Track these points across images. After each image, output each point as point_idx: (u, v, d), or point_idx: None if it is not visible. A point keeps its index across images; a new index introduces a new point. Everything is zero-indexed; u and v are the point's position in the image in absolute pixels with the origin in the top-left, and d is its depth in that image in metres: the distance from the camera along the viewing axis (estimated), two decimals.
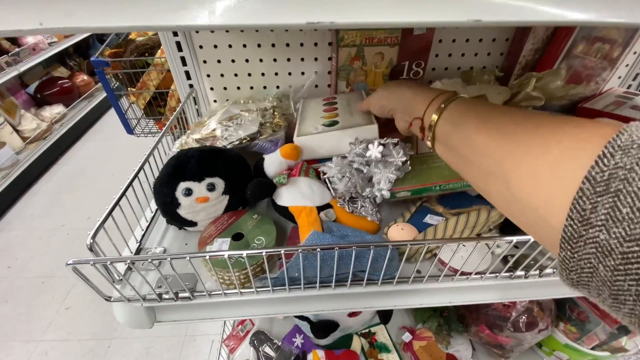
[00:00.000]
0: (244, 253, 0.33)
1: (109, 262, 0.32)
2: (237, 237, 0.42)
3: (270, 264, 0.41)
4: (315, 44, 0.68)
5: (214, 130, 0.58)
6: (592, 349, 0.71)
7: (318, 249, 0.33)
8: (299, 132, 0.53)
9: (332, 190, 0.48)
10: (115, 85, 1.53)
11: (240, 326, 0.88)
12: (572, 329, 0.73)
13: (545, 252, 0.40)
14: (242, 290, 0.38)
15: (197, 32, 0.64)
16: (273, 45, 0.67)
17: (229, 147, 0.53)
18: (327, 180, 0.49)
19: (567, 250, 0.19)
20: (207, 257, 0.33)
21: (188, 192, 0.42)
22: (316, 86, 0.74)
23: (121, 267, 0.41)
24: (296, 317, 0.84)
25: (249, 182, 0.46)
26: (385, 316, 0.89)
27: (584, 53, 0.66)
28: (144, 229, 0.47)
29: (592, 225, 0.18)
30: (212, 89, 0.72)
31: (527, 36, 0.65)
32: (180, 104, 0.62)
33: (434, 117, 0.32)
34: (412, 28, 0.62)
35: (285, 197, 0.47)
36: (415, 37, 0.64)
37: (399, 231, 0.42)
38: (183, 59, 0.67)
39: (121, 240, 0.42)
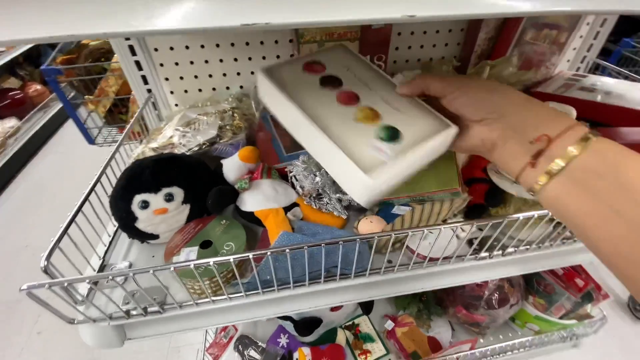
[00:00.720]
0: (211, 261, 0.32)
1: (66, 284, 0.31)
2: (205, 244, 0.41)
3: (242, 269, 0.41)
4: (276, 42, 0.67)
5: (171, 137, 0.56)
6: (561, 318, 0.76)
7: (287, 250, 0.33)
8: (364, 168, 0.29)
9: (299, 189, 0.48)
10: (72, 94, 1.44)
11: (222, 333, 0.87)
12: (541, 301, 0.77)
13: (505, 231, 0.42)
14: (215, 298, 0.38)
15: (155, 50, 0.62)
16: (232, 44, 0.65)
17: (188, 153, 0.52)
18: (293, 179, 0.49)
19: None
20: (172, 269, 0.32)
21: (144, 205, 0.41)
22: None
23: (85, 287, 0.39)
24: (279, 317, 0.83)
25: (210, 188, 0.45)
26: (367, 307, 0.91)
27: (534, 39, 0.69)
28: (107, 245, 0.45)
29: None
30: (172, 92, 0.70)
31: (480, 26, 0.68)
32: (138, 111, 0.59)
33: (573, 148, 0.25)
34: None
35: (249, 202, 0.46)
36: (374, 31, 0.64)
37: (368, 224, 0.42)
38: (138, 63, 0.64)
39: (82, 258, 0.40)
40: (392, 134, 0.31)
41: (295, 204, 0.46)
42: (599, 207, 0.24)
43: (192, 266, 0.32)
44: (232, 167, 0.48)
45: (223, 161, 0.50)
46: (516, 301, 0.77)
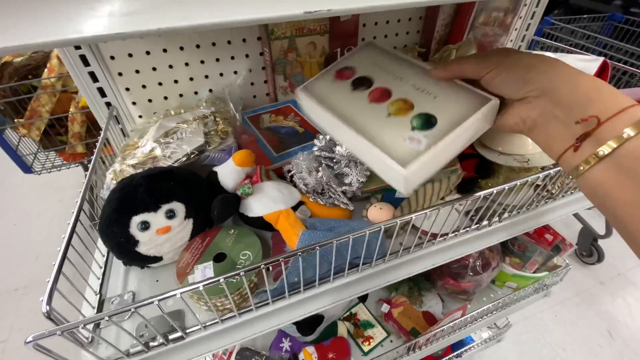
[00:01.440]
0: (241, 272, 0.30)
1: (81, 326, 0.27)
2: (218, 258, 0.38)
3: (260, 277, 0.39)
4: (244, 40, 0.64)
5: (152, 150, 0.52)
6: (534, 272, 0.85)
7: (317, 248, 0.32)
8: (399, 161, 0.30)
9: (302, 186, 0.47)
10: None
11: (221, 350, 0.83)
12: (516, 260, 0.85)
13: (495, 199, 0.46)
14: (240, 312, 0.36)
15: (104, 41, 0.56)
16: (198, 46, 0.62)
17: (175, 165, 0.48)
18: (295, 177, 0.48)
19: None
20: (201, 288, 0.29)
21: (145, 226, 0.37)
22: (252, 83, 0.71)
23: (87, 329, 0.35)
24: None
25: (209, 198, 0.42)
26: (362, 295, 0.93)
27: (484, 23, 0.75)
28: (100, 277, 0.40)
29: None
30: (134, 103, 0.64)
31: (438, 13, 0.72)
32: (104, 126, 0.53)
33: (627, 131, 0.23)
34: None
35: (256, 207, 0.44)
36: (343, 23, 0.65)
37: (379, 211, 0.43)
38: (93, 75, 0.58)
39: (75, 296, 0.36)
40: (425, 122, 0.32)
41: (300, 203, 0.46)
42: None
43: (221, 281, 0.30)
44: (229, 173, 0.46)
45: (217, 169, 0.47)
46: (496, 264, 0.84)
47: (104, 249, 0.43)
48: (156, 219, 0.37)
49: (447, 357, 1.14)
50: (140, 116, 0.66)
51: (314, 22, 0.63)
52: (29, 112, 1.23)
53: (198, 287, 0.29)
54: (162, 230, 0.37)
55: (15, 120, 1.23)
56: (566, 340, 1.39)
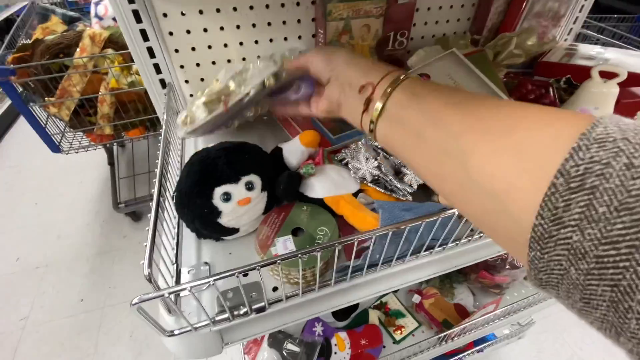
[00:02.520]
0: (335, 243, 0.30)
1: (189, 288, 0.27)
2: (295, 232, 0.38)
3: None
4: (299, 21, 0.64)
5: (226, 87, 0.48)
6: None
7: (407, 226, 0.32)
8: None
9: (358, 177, 0.46)
10: (24, 95, 1.26)
11: None
12: None
13: None
14: (320, 285, 0.36)
15: (165, 15, 0.55)
16: (254, 25, 0.61)
17: (252, 93, 0.43)
18: (348, 166, 0.47)
19: (536, 250, 0.17)
20: (300, 257, 0.29)
21: (227, 197, 0.37)
22: None
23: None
24: None
25: (276, 174, 0.42)
26: None
27: (539, 14, 0.73)
28: (175, 248, 0.41)
29: (564, 225, 0.16)
30: (187, 81, 0.64)
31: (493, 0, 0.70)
32: (166, 102, 0.53)
33: (388, 88, 0.28)
34: None
35: (318, 188, 0.44)
36: (400, 6, 0.64)
37: None
38: (150, 50, 0.58)
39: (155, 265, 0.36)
40: None
41: (360, 191, 0.45)
42: (409, 134, 0.26)
43: (318, 251, 0.30)
44: (294, 151, 0.46)
45: (282, 145, 0.47)
46: None
47: (174, 220, 0.43)
48: (237, 190, 0.37)
49: (469, 352, 1.14)
50: (191, 95, 0.66)
51: (372, 4, 0.62)
52: (60, 91, 1.23)
53: (297, 256, 0.29)
54: (244, 201, 0.37)
55: (46, 98, 1.24)
56: (584, 340, 1.39)
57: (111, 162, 1.70)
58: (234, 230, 0.39)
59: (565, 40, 0.89)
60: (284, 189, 0.41)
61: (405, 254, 0.38)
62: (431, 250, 0.40)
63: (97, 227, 1.69)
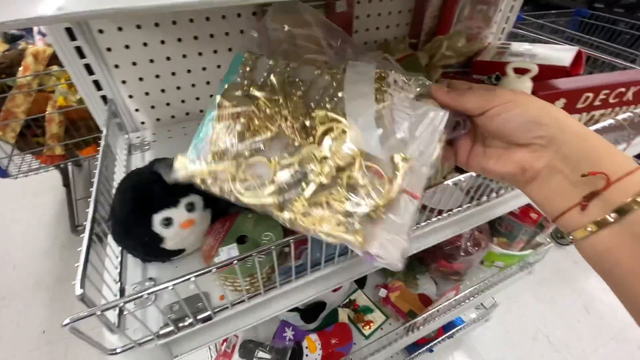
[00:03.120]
0: (272, 246, 0.32)
1: (122, 303, 0.27)
2: (240, 240, 0.39)
3: (281, 258, 0.41)
4: (242, 32, 0.65)
5: None
6: (520, 250, 0.90)
7: None
8: None
9: None
10: None
11: (225, 344, 0.83)
12: (503, 240, 0.91)
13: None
14: (265, 290, 0.37)
15: (100, 32, 0.55)
16: (196, 37, 0.62)
17: None
18: None
19: None
20: (236, 263, 0.30)
21: (168, 222, 0.37)
22: None
23: (113, 314, 0.35)
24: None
25: None
26: (361, 281, 0.95)
27: (469, 17, 0.79)
28: (118, 266, 0.40)
29: None
30: (130, 96, 0.63)
31: (426, 5, 0.75)
32: (106, 120, 0.52)
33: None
34: (334, 5, 0.65)
35: None
36: (338, 14, 0.67)
37: None
38: (88, 67, 0.57)
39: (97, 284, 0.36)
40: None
41: None
42: None
43: (254, 255, 0.31)
44: None
45: None
46: (485, 244, 0.89)
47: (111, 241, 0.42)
48: (178, 213, 0.37)
49: (440, 339, 1.19)
50: (137, 110, 0.65)
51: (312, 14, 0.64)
52: (4, 113, 1.17)
53: (233, 262, 0.30)
54: (186, 223, 0.37)
55: None
56: (547, 317, 1.48)
57: (66, 184, 1.61)
58: (181, 251, 0.39)
59: (500, 39, 0.96)
60: (228, 202, 0.41)
61: (347, 249, 0.40)
62: None
63: (55, 253, 1.60)
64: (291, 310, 0.81)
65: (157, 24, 0.57)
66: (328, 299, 0.84)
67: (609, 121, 0.50)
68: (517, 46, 0.83)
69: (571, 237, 0.25)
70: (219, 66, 0.66)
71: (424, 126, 0.29)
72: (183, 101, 0.68)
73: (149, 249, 0.37)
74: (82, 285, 0.29)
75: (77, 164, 1.82)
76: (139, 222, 0.37)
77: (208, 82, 0.67)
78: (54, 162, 1.36)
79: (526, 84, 0.51)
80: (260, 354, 0.81)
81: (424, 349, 1.15)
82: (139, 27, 0.57)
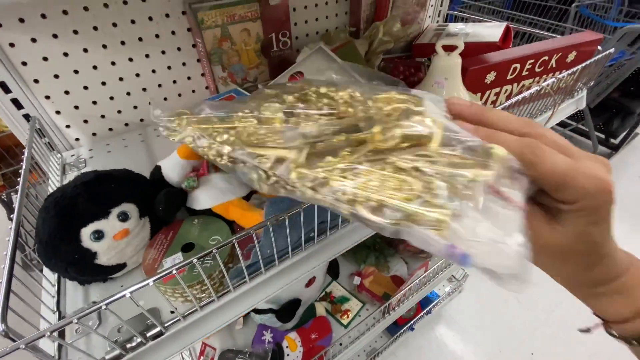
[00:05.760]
0: (214, 250, 0.30)
1: (48, 333, 0.25)
2: (186, 248, 0.38)
3: (230, 259, 0.39)
4: (173, 32, 0.62)
5: None
6: None
7: (286, 217, 0.33)
8: None
9: None
10: None
11: (202, 357, 0.80)
12: None
13: None
14: (218, 295, 0.36)
15: (12, 45, 0.50)
16: (123, 42, 0.58)
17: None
18: None
19: None
20: (175, 272, 0.29)
21: (99, 235, 0.34)
22: (188, 78, 0.68)
23: (46, 346, 0.32)
24: (257, 314, 0.81)
25: (156, 194, 0.40)
26: (334, 272, 0.96)
27: (404, 2, 0.81)
28: (55, 294, 0.37)
29: None
30: (58, 112, 0.59)
31: None
32: (28, 140, 0.48)
33: None
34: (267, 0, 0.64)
35: (203, 199, 0.42)
36: (273, 7, 0.66)
37: None
38: (4, 85, 0.52)
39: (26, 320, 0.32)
40: None
41: (253, 192, 0.46)
42: None
43: (195, 261, 0.30)
44: (173, 167, 0.44)
45: (160, 163, 0.45)
46: None
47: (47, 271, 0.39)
48: (109, 225, 0.35)
49: (418, 316, 1.22)
50: (67, 126, 0.60)
51: (244, 8, 0.62)
52: None
53: (171, 271, 0.29)
54: (120, 234, 0.35)
55: None
56: None
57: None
58: (121, 266, 0.37)
59: (437, 22, 0.99)
60: (163, 209, 0.39)
61: (300, 242, 0.39)
62: (326, 234, 0.42)
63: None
64: (265, 312, 0.80)
65: (75, 32, 0.53)
66: (303, 296, 0.83)
67: (534, 88, 0.53)
68: (453, 27, 0.86)
69: (633, 342, 0.21)
70: (154, 71, 0.63)
71: None
72: (119, 112, 0.64)
73: (82, 267, 0.35)
74: (4, 320, 0.26)
75: None
76: (65, 239, 0.34)
77: (144, 89, 0.64)
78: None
79: (455, 60, 0.53)
80: None
81: (405, 328, 1.18)
82: (55, 36, 0.52)
